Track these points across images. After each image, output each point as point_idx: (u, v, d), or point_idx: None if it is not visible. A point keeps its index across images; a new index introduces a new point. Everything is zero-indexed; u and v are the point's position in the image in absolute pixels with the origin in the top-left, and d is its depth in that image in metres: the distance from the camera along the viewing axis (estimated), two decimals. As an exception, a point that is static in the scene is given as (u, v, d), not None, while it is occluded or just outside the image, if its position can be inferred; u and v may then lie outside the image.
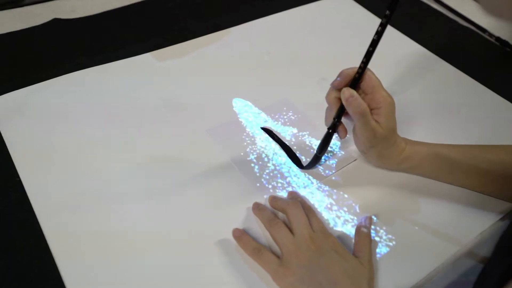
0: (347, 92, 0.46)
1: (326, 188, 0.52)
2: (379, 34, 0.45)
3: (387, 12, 0.43)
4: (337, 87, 0.48)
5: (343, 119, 0.50)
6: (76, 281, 0.42)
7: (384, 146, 0.49)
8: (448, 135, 0.59)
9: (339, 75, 0.48)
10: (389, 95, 0.47)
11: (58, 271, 0.43)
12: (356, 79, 0.47)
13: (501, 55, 0.75)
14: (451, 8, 0.84)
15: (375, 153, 0.50)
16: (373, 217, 0.49)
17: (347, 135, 0.52)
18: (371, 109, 0.47)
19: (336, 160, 0.55)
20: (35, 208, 0.47)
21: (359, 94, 0.47)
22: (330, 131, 0.50)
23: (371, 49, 0.46)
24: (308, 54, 0.71)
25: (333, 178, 0.53)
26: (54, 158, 0.52)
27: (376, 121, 0.47)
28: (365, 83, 0.47)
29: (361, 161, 0.55)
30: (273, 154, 0.55)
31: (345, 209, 0.50)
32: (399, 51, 0.73)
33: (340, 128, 0.51)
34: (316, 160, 0.53)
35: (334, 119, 0.49)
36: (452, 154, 0.50)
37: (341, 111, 0.49)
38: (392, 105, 0.47)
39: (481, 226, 0.50)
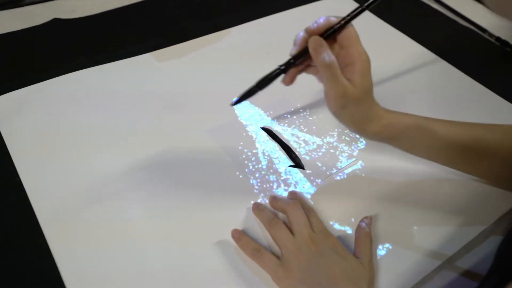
0: (317, 40, 0.42)
1: (326, 188, 0.52)
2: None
3: None
4: (310, 33, 0.43)
5: (318, 79, 0.46)
6: (76, 281, 0.42)
7: (358, 109, 0.44)
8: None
9: (317, 21, 0.44)
10: (365, 52, 0.43)
11: (58, 271, 0.43)
12: (333, 31, 0.43)
13: (501, 55, 0.75)
14: (451, 8, 0.84)
15: (347, 116, 0.45)
16: (372, 217, 0.49)
17: (291, 85, 0.46)
18: (344, 66, 0.43)
19: (336, 160, 0.55)
20: (35, 208, 0.47)
21: (334, 47, 0.44)
22: (282, 68, 0.44)
23: (360, 8, 0.43)
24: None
25: (333, 178, 0.53)
26: (54, 158, 0.52)
27: (349, 79, 0.42)
28: (342, 35, 0.43)
29: (361, 161, 0.55)
30: (273, 154, 0.55)
31: (345, 209, 0.50)
32: (399, 50, 0.73)
33: (289, 72, 0.45)
34: (250, 92, 0.46)
35: (290, 58, 0.44)
36: (435, 127, 0.48)
37: (302, 54, 0.44)
38: (367, 62, 0.43)
39: (481, 226, 0.50)
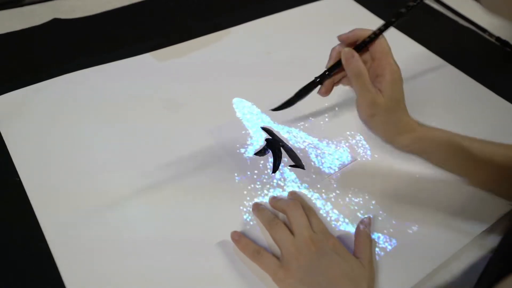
0: (349, 52, 0.45)
1: (326, 188, 0.52)
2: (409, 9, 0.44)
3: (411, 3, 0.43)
4: (343, 42, 0.47)
5: (350, 89, 0.48)
6: (76, 281, 0.42)
7: (387, 118, 0.46)
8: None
9: (350, 32, 0.46)
10: (395, 64, 0.45)
11: (58, 271, 0.43)
12: (365, 42, 0.45)
13: (501, 55, 0.75)
14: (451, 8, 0.84)
15: (377, 125, 0.47)
16: (372, 217, 0.49)
17: (327, 96, 0.49)
18: (375, 76, 0.45)
19: (336, 160, 0.55)
20: (35, 208, 0.47)
21: (367, 58, 0.46)
22: (317, 80, 0.48)
23: (393, 20, 0.45)
24: (308, 54, 0.71)
25: (333, 178, 0.53)
26: (54, 158, 0.52)
27: (379, 89, 0.44)
28: (374, 48, 0.45)
29: (360, 161, 0.55)
30: (273, 154, 0.55)
31: (345, 209, 0.50)
32: (399, 51, 0.73)
33: (325, 84, 0.48)
34: (290, 102, 0.50)
35: (325, 70, 0.48)
36: (467, 144, 0.48)
37: (335, 66, 0.47)
38: (397, 74, 0.45)
39: (481, 226, 0.50)
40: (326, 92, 0.49)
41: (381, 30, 0.45)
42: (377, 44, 0.45)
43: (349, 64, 0.44)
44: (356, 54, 0.45)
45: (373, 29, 0.45)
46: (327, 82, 0.48)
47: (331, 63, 0.48)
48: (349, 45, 0.46)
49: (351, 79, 0.45)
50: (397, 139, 0.47)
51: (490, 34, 0.78)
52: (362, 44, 0.45)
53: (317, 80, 0.48)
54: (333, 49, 0.48)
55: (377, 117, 0.45)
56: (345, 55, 0.45)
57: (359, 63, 0.44)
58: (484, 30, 0.79)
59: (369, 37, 0.45)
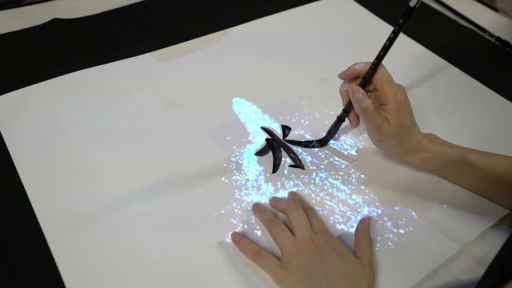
0: (353, 88, 0.48)
1: (326, 188, 0.52)
2: (391, 40, 0.46)
3: (400, 21, 0.45)
4: (342, 78, 0.50)
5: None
6: (76, 281, 0.42)
7: (395, 142, 0.49)
8: (448, 135, 0.58)
9: (348, 68, 0.49)
10: (399, 92, 0.47)
11: (58, 271, 0.43)
12: (366, 78, 0.48)
13: (501, 55, 0.75)
14: (451, 8, 0.84)
15: (386, 148, 0.51)
16: (372, 217, 0.49)
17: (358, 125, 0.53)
18: (381, 104, 0.48)
19: (336, 160, 0.55)
20: (35, 208, 0.47)
21: (371, 89, 0.49)
22: (339, 119, 0.53)
23: (382, 53, 0.46)
24: (308, 54, 0.71)
25: (333, 178, 0.53)
26: (54, 158, 0.52)
27: (385, 117, 0.47)
28: (376, 79, 0.48)
29: (360, 161, 0.55)
30: (273, 154, 0.55)
31: (345, 209, 0.50)
32: (400, 50, 0.73)
33: (351, 118, 0.52)
34: (323, 141, 0.56)
35: (343, 109, 0.52)
36: (478, 160, 0.49)
37: (350, 103, 0.50)
38: (401, 103, 0.47)
39: (481, 226, 0.50)
40: (355, 125, 0.53)
41: (374, 65, 0.47)
42: (378, 75, 0.47)
43: (354, 100, 0.48)
44: (360, 90, 0.48)
45: (369, 61, 0.47)
46: (351, 116, 0.52)
47: (345, 100, 0.51)
48: (353, 79, 0.50)
49: (358, 113, 0.49)
50: (408, 159, 0.50)
51: (490, 34, 0.78)
52: (365, 79, 0.48)
53: (339, 119, 0.53)
54: (340, 87, 0.51)
55: (385, 142, 0.49)
56: (351, 92, 0.49)
57: (362, 98, 0.47)
58: (484, 30, 0.79)
59: (367, 72, 0.48)
